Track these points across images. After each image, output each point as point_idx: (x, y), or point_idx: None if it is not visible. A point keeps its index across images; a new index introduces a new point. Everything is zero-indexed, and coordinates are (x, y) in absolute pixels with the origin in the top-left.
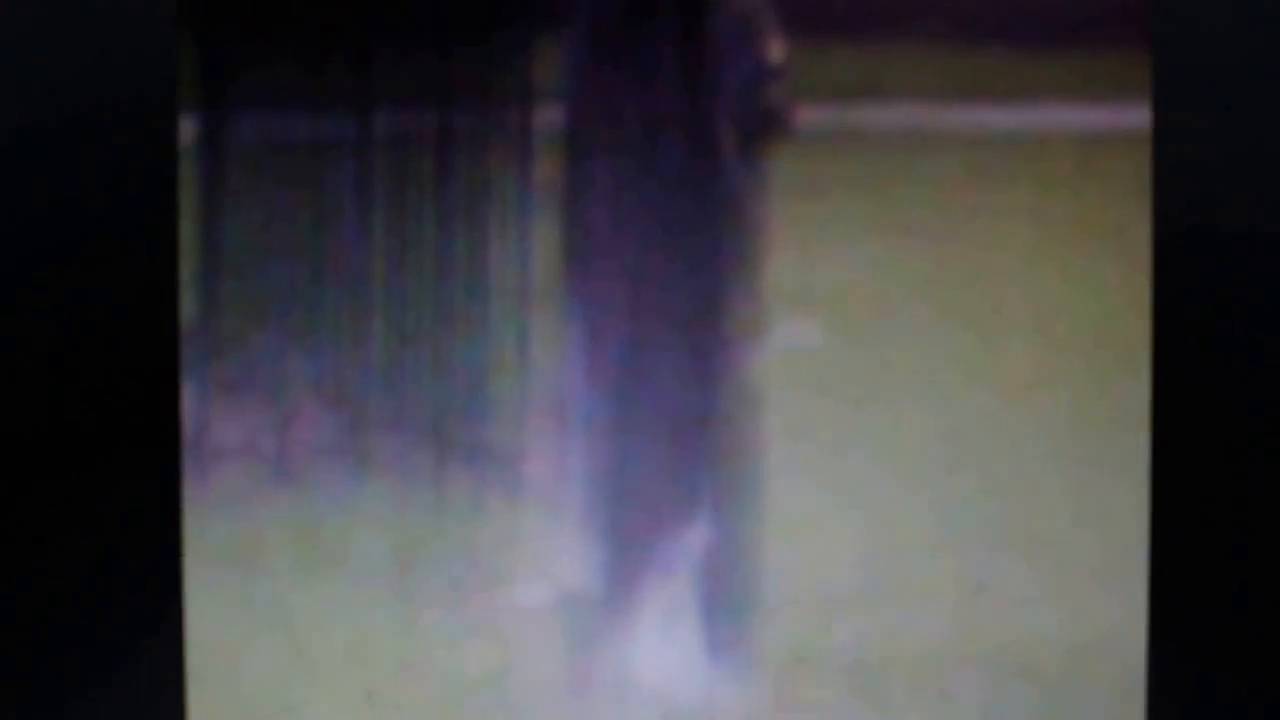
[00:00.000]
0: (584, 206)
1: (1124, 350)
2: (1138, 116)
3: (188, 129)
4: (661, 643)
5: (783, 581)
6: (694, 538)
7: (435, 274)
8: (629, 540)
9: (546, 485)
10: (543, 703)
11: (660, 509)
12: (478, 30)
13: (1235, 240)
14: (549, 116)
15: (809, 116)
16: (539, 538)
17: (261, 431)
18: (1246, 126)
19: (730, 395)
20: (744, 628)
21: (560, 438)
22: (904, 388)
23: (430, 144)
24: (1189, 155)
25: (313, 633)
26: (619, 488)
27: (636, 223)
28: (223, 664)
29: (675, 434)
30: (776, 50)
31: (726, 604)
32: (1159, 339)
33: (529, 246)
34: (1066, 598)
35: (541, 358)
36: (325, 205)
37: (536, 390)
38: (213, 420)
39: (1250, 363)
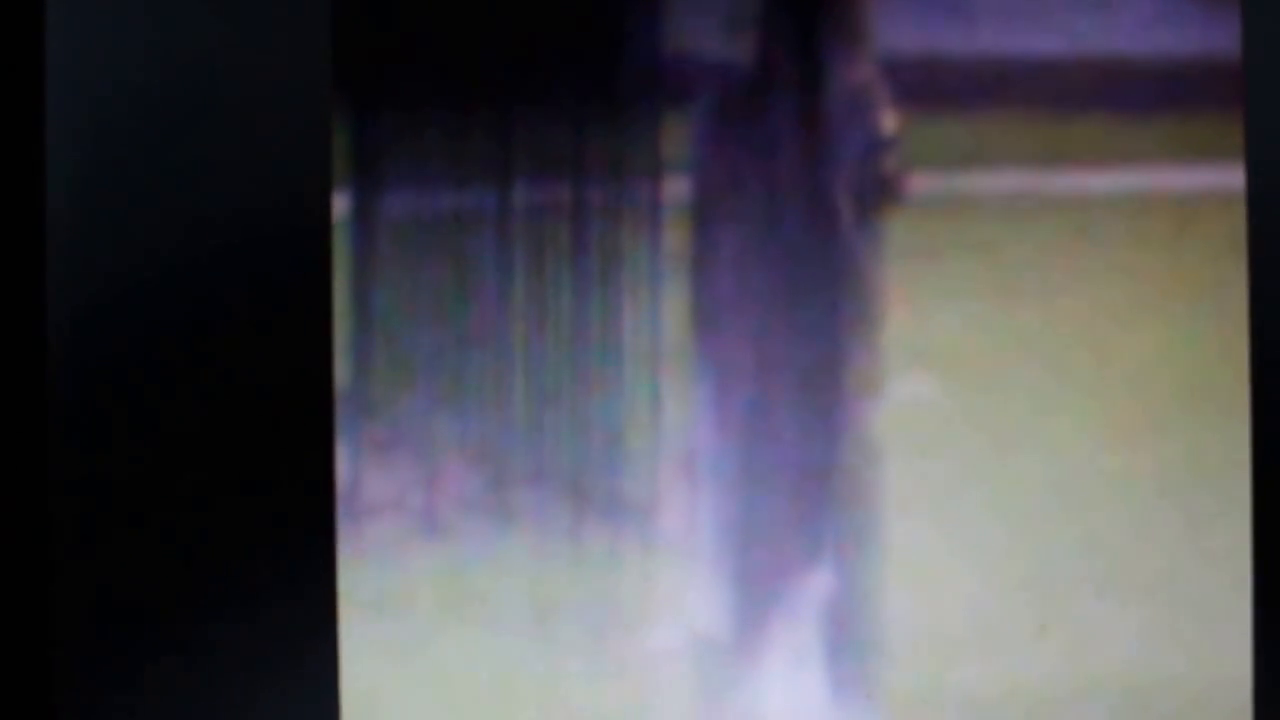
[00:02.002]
0: (711, 273)
1: (1224, 399)
2: (1233, 177)
3: (340, 205)
4: (788, 683)
5: (902, 624)
6: (818, 583)
7: (572, 338)
8: (756, 586)
9: (678, 535)
10: None
11: (786, 556)
12: (609, 108)
13: None
14: (677, 189)
15: (920, 184)
16: (671, 585)
17: (410, 487)
18: None
19: (851, 448)
20: (866, 668)
21: (691, 490)
22: (1014, 438)
23: (566, 216)
24: None
25: (458, 676)
26: (747, 536)
27: (760, 287)
28: (374, 705)
29: (799, 485)
30: (889, 123)
31: (849, 646)
32: (1257, 387)
33: (660, 311)
34: (1175, 638)
35: (673, 415)
36: (468, 275)
37: (668, 446)
38: (364, 477)
39: None
